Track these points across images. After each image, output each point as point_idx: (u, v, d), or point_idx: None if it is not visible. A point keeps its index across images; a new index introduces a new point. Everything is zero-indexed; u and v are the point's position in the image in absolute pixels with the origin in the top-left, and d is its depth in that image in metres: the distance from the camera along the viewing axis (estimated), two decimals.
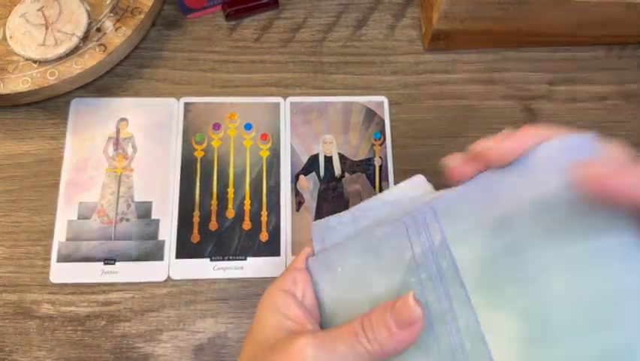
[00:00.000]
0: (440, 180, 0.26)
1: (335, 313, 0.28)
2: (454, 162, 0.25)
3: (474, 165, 0.25)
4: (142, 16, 0.45)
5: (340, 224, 0.31)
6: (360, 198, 0.43)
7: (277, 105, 0.46)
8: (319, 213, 0.43)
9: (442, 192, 0.27)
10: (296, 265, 0.30)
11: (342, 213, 0.31)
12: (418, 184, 0.30)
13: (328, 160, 0.45)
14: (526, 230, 0.22)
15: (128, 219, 0.42)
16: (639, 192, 0.19)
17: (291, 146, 0.45)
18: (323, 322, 0.29)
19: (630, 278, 0.20)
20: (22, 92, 0.42)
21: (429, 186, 0.29)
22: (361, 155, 0.45)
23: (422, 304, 0.23)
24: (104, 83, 0.46)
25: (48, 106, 0.45)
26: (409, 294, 0.23)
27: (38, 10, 0.44)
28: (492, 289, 0.22)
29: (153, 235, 0.42)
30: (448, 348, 0.23)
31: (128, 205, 0.42)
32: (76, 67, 0.43)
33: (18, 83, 0.42)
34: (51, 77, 0.42)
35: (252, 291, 0.41)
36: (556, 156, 0.22)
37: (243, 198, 0.43)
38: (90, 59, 0.43)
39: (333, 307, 0.28)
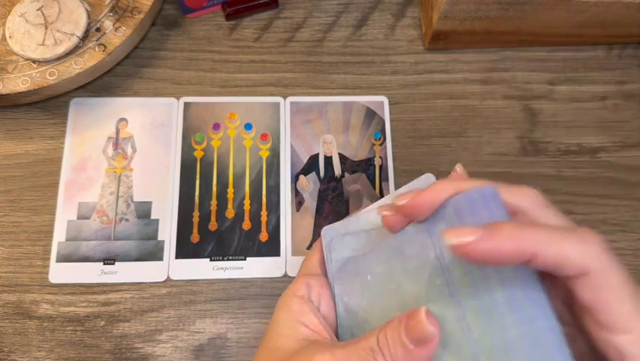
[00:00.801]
0: None
1: (368, 321, 0.27)
2: (385, 212, 0.25)
3: (400, 217, 0.25)
4: (142, 15, 0.45)
5: (347, 229, 0.30)
6: (360, 198, 0.43)
7: (277, 105, 0.46)
8: (319, 213, 0.43)
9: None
10: (307, 271, 0.29)
11: (348, 217, 0.31)
12: (426, 183, 0.29)
13: (328, 160, 0.45)
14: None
15: (127, 220, 0.42)
16: (503, 250, 0.19)
17: (291, 146, 0.45)
18: (346, 332, 0.28)
19: (515, 330, 0.20)
20: (22, 92, 0.42)
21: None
22: (361, 155, 0.45)
23: (435, 318, 0.22)
24: (104, 83, 0.46)
25: (47, 106, 0.45)
26: (421, 310, 0.22)
27: (38, 9, 0.43)
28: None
29: (153, 235, 0.42)
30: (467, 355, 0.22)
31: (128, 205, 0.42)
32: (76, 67, 0.43)
33: (17, 83, 0.42)
34: (51, 76, 0.42)
35: (252, 291, 0.41)
36: (460, 209, 0.23)
37: (243, 198, 0.43)
38: (90, 59, 0.43)
39: (365, 317, 0.27)
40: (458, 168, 0.28)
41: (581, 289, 0.20)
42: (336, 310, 0.28)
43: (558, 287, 0.23)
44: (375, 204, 0.30)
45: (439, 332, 0.22)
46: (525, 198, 0.23)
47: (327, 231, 0.31)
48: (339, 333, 0.28)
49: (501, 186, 0.23)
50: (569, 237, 0.19)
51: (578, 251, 0.19)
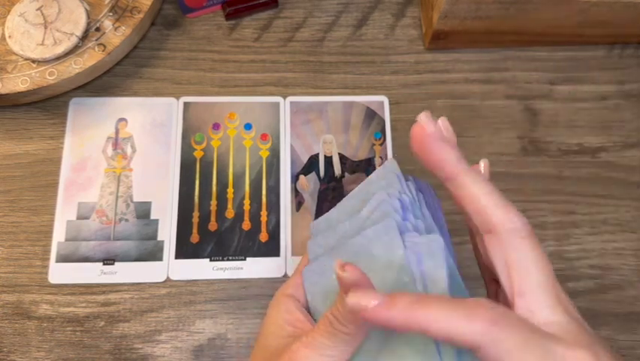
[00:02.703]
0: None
1: None
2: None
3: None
4: (141, 15, 0.45)
5: (327, 224, 0.31)
6: None
7: (277, 105, 0.46)
8: (319, 214, 0.43)
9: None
10: (300, 268, 0.30)
11: (330, 211, 0.31)
12: (385, 173, 0.30)
13: (328, 160, 0.45)
14: None
15: (127, 220, 0.42)
16: (396, 323, 0.20)
17: (291, 146, 0.45)
18: None
19: None
20: (21, 92, 0.42)
21: (394, 174, 0.29)
22: (361, 155, 0.45)
23: (350, 265, 0.23)
24: (103, 83, 0.46)
25: (47, 106, 0.45)
26: (338, 265, 0.23)
27: (37, 9, 0.43)
28: None
29: (152, 236, 0.42)
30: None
31: (127, 205, 0.42)
32: (76, 66, 0.43)
33: (17, 83, 0.42)
34: (50, 76, 0.42)
35: (252, 291, 0.41)
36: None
37: (243, 199, 0.43)
38: (89, 59, 0.43)
39: None
40: (483, 164, 0.27)
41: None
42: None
43: None
44: (354, 191, 0.30)
45: (364, 276, 0.22)
46: (509, 223, 0.23)
47: (312, 226, 0.31)
48: None
49: (489, 197, 0.24)
50: (458, 314, 0.20)
51: (466, 329, 0.20)
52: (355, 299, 0.21)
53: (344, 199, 0.31)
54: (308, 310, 0.28)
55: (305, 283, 0.29)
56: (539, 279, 0.22)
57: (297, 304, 0.28)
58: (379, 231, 0.26)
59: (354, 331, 0.23)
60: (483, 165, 0.27)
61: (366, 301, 0.21)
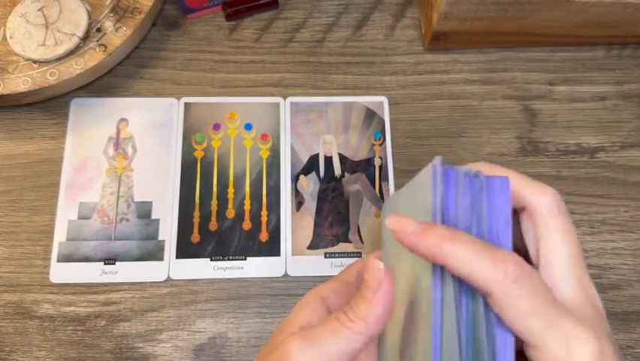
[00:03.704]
0: None
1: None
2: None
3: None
4: (142, 16, 0.45)
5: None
6: (360, 198, 0.43)
7: (277, 105, 0.46)
8: (319, 213, 0.43)
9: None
10: (344, 277, 0.29)
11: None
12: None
13: (328, 160, 0.45)
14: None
15: (128, 220, 0.42)
16: (421, 252, 0.22)
17: (291, 146, 0.45)
18: None
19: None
20: (23, 93, 0.42)
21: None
22: (361, 155, 0.45)
23: (378, 264, 0.25)
24: (104, 83, 0.46)
25: (48, 106, 0.45)
26: (368, 257, 0.24)
27: (38, 10, 0.44)
28: None
29: (153, 235, 0.42)
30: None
31: (128, 205, 0.42)
32: (77, 67, 0.43)
33: (18, 84, 0.42)
34: (51, 77, 0.42)
35: (252, 291, 0.41)
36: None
37: (243, 198, 0.43)
38: (90, 59, 0.43)
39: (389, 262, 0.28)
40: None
41: (492, 304, 0.21)
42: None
43: None
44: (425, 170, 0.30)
45: (391, 276, 0.24)
46: (541, 197, 0.24)
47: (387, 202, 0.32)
48: None
49: (521, 178, 0.24)
50: (484, 259, 0.21)
51: (488, 275, 0.20)
52: (394, 225, 0.22)
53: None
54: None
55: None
56: (564, 257, 0.23)
57: (323, 309, 0.27)
58: (422, 175, 0.26)
59: (361, 329, 0.23)
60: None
61: (403, 226, 0.22)
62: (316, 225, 0.43)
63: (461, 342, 0.21)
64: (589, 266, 0.42)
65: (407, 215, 0.23)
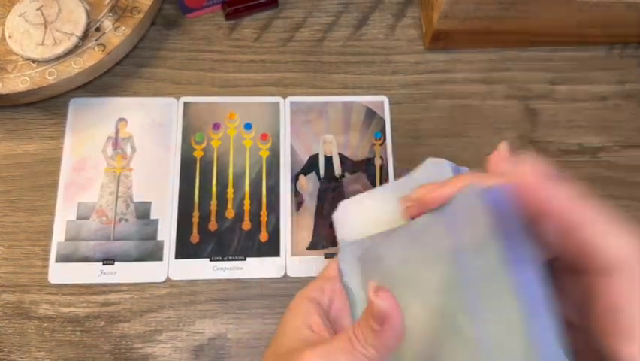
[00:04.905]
0: None
1: None
2: (408, 204, 0.26)
3: (418, 208, 0.26)
4: (141, 15, 0.45)
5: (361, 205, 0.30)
6: None
7: (277, 105, 0.46)
8: (319, 213, 0.43)
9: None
10: (326, 274, 0.29)
11: (361, 195, 0.31)
12: (435, 170, 0.29)
13: (328, 160, 0.45)
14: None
15: (127, 220, 0.42)
16: (557, 203, 0.21)
17: (291, 146, 0.45)
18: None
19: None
20: (21, 92, 0.42)
21: (447, 168, 0.29)
22: (361, 155, 0.45)
23: (389, 294, 0.23)
24: (103, 83, 0.46)
25: (47, 106, 0.45)
26: (370, 289, 0.23)
27: (37, 9, 0.43)
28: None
29: (152, 236, 0.42)
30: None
31: (127, 205, 0.42)
32: (76, 66, 0.43)
33: (17, 83, 0.42)
34: (50, 76, 0.42)
35: (252, 291, 0.41)
36: (473, 201, 0.23)
37: (243, 199, 0.43)
38: (89, 59, 0.43)
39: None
40: (502, 148, 0.25)
41: (608, 287, 0.19)
42: (351, 301, 0.29)
43: (570, 283, 0.23)
44: (388, 184, 0.30)
45: (397, 308, 0.22)
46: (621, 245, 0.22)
47: (340, 209, 0.31)
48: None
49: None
50: (613, 225, 0.19)
51: (618, 243, 0.19)
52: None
53: (375, 188, 0.31)
54: (328, 314, 0.28)
55: (364, 270, 0.28)
56: None
57: (317, 308, 0.27)
58: (427, 166, 0.26)
59: (374, 357, 0.23)
60: (502, 149, 0.25)
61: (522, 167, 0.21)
62: (316, 225, 0.42)
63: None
64: None
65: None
